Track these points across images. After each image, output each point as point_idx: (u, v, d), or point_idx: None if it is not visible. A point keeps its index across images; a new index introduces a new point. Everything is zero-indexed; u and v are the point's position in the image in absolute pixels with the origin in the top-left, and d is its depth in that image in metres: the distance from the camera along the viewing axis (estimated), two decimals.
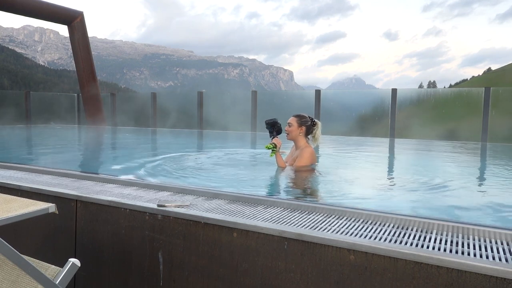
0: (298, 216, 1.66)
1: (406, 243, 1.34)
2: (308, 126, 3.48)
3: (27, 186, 2.24)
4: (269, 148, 3.34)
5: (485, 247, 1.32)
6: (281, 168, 3.43)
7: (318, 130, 3.51)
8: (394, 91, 8.53)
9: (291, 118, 3.50)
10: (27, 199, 1.50)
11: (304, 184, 3.16)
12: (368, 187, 3.17)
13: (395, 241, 1.36)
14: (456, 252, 1.28)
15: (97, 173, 2.71)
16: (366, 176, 3.73)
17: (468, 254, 1.26)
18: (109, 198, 1.94)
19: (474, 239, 1.40)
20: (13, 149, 6.35)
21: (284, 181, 3.33)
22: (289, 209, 1.77)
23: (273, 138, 3.40)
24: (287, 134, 3.53)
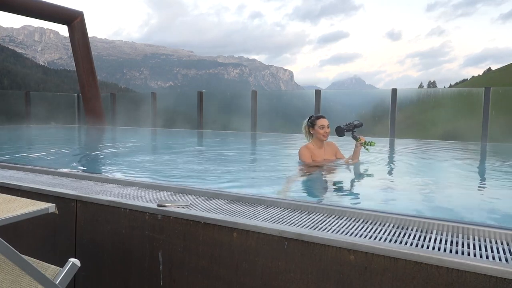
0: (298, 216, 1.66)
1: (406, 243, 1.34)
2: None
3: (27, 186, 2.24)
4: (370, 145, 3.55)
5: (485, 247, 1.32)
6: (356, 161, 3.73)
7: None
8: (394, 91, 8.53)
9: (326, 120, 3.65)
10: (27, 199, 1.50)
11: None
12: (368, 187, 3.17)
13: (395, 241, 1.36)
14: (456, 252, 1.28)
15: (97, 173, 2.71)
16: (365, 176, 3.73)
17: (468, 254, 1.26)
18: (109, 198, 1.94)
19: (474, 239, 1.40)
20: (13, 149, 6.35)
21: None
22: (289, 209, 1.77)
23: (357, 137, 3.60)
24: (326, 135, 3.66)
